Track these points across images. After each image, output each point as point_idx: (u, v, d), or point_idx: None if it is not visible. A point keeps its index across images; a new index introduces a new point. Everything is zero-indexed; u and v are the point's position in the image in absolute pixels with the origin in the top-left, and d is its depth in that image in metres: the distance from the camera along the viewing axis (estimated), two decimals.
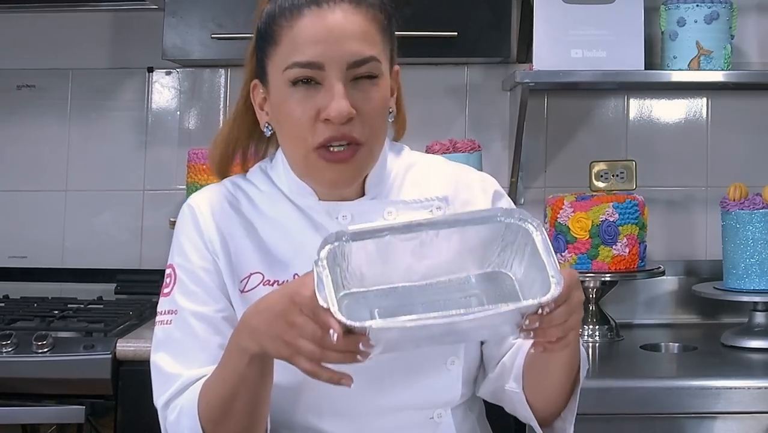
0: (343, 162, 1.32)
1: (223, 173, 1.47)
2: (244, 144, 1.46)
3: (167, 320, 1.38)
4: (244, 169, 1.47)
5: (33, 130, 2.68)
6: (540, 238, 1.21)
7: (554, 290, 1.15)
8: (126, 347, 2.09)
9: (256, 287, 1.36)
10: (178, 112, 2.68)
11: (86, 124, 2.68)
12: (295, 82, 1.31)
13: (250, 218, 1.40)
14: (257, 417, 1.29)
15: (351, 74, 1.30)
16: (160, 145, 2.67)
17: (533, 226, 1.22)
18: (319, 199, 1.39)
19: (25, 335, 2.09)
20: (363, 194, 1.40)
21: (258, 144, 1.47)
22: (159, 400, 1.35)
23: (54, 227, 2.66)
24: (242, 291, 1.36)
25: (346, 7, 1.31)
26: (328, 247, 1.19)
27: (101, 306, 2.44)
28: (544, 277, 1.18)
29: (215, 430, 1.29)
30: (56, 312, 2.32)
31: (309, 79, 1.30)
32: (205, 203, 1.42)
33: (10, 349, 2.06)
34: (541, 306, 1.15)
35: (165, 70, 2.67)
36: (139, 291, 2.54)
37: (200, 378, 1.32)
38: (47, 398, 2.06)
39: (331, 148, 1.31)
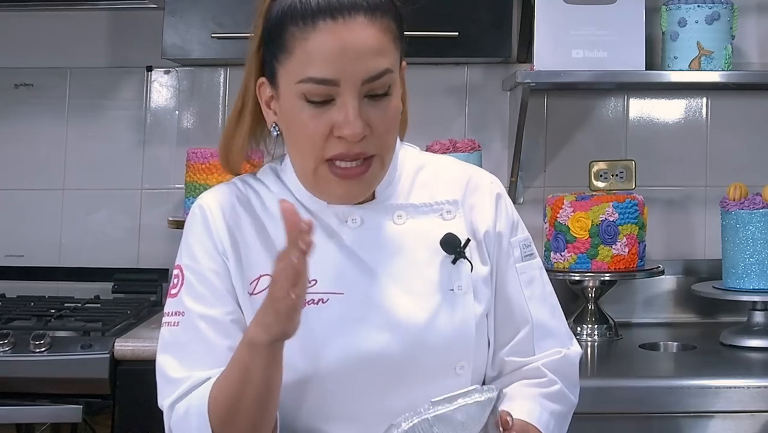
0: (355, 177, 1.31)
1: (233, 171, 1.45)
2: (250, 141, 1.43)
3: (174, 322, 1.35)
4: (253, 166, 1.45)
5: (30, 128, 2.66)
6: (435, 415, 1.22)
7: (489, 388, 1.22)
8: (124, 346, 2.08)
9: (265, 289, 1.27)
10: (177, 112, 2.67)
11: (84, 123, 2.67)
12: (309, 99, 1.29)
13: (261, 219, 1.38)
14: (264, 417, 1.27)
15: (366, 89, 1.28)
16: (159, 144, 2.66)
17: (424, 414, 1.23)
18: (329, 204, 1.38)
19: (23, 334, 2.08)
20: (373, 197, 1.39)
21: (267, 141, 1.44)
22: (165, 401, 1.33)
23: (51, 225, 2.65)
24: (251, 294, 1.34)
25: (362, 20, 1.28)
26: None
27: (99, 305, 2.43)
28: (471, 408, 1.22)
29: (223, 429, 1.27)
30: (53, 311, 2.30)
31: (323, 99, 1.28)
32: (216, 203, 1.39)
33: (7, 348, 2.05)
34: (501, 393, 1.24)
35: (164, 69, 2.66)
36: (137, 290, 2.53)
37: (209, 379, 1.30)
38: (44, 398, 2.05)
39: (342, 164, 1.30)
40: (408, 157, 1.44)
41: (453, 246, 1.36)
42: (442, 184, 1.42)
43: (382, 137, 1.31)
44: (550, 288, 1.48)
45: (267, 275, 1.30)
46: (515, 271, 1.43)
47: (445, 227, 1.38)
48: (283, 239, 1.25)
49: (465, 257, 1.37)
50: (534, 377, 1.41)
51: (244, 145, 1.41)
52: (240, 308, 1.35)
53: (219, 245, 1.36)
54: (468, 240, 1.38)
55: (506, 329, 1.42)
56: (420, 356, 1.33)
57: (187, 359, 1.32)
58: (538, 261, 1.47)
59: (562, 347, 1.45)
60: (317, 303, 1.32)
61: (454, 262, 1.37)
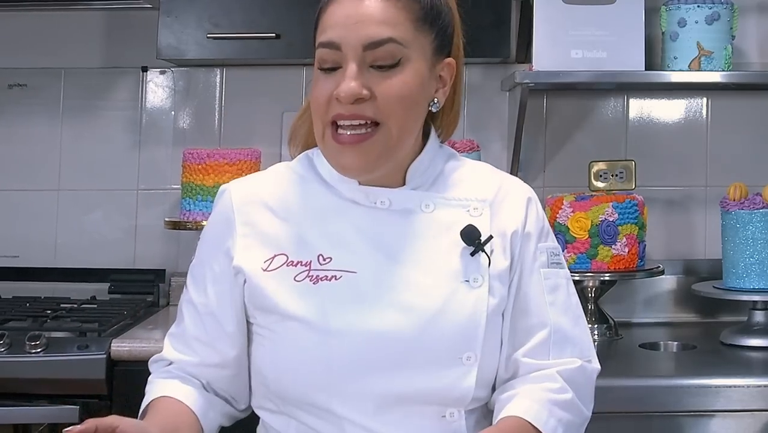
0: (353, 144, 1.35)
1: (292, 154, 1.51)
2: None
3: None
4: None
5: (25, 129, 2.65)
6: None
7: None
8: (120, 347, 2.07)
9: (279, 267, 1.39)
10: (173, 112, 2.66)
11: (78, 123, 2.66)
12: (320, 66, 1.37)
13: (284, 201, 1.43)
14: None
15: (369, 58, 1.34)
16: (154, 144, 2.65)
17: None
18: (360, 184, 1.42)
19: (18, 335, 2.07)
20: (404, 183, 1.42)
21: None
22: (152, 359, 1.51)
23: (46, 226, 2.64)
24: (265, 270, 1.39)
25: None
26: None
27: (95, 306, 2.43)
28: None
29: None
30: (49, 312, 2.30)
31: (332, 66, 1.35)
32: (238, 188, 1.45)
33: (2, 349, 2.04)
34: None
35: (159, 70, 2.65)
36: (133, 291, 2.52)
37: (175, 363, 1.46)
38: (41, 398, 2.04)
39: (342, 130, 1.35)
40: (445, 155, 1.48)
41: (472, 238, 1.39)
42: (474, 185, 1.45)
43: (388, 105, 1.34)
44: (576, 300, 1.48)
45: (282, 254, 1.39)
46: (540, 275, 1.44)
47: (471, 221, 1.41)
48: (304, 220, 1.38)
49: (484, 251, 1.38)
50: (547, 382, 1.41)
51: (305, 132, 1.48)
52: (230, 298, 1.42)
53: (230, 228, 1.42)
54: (490, 236, 1.40)
55: (523, 330, 1.42)
56: (428, 340, 1.35)
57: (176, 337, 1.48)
58: (565, 272, 1.48)
59: (581, 358, 1.44)
60: (330, 280, 1.37)
61: (473, 254, 1.39)
